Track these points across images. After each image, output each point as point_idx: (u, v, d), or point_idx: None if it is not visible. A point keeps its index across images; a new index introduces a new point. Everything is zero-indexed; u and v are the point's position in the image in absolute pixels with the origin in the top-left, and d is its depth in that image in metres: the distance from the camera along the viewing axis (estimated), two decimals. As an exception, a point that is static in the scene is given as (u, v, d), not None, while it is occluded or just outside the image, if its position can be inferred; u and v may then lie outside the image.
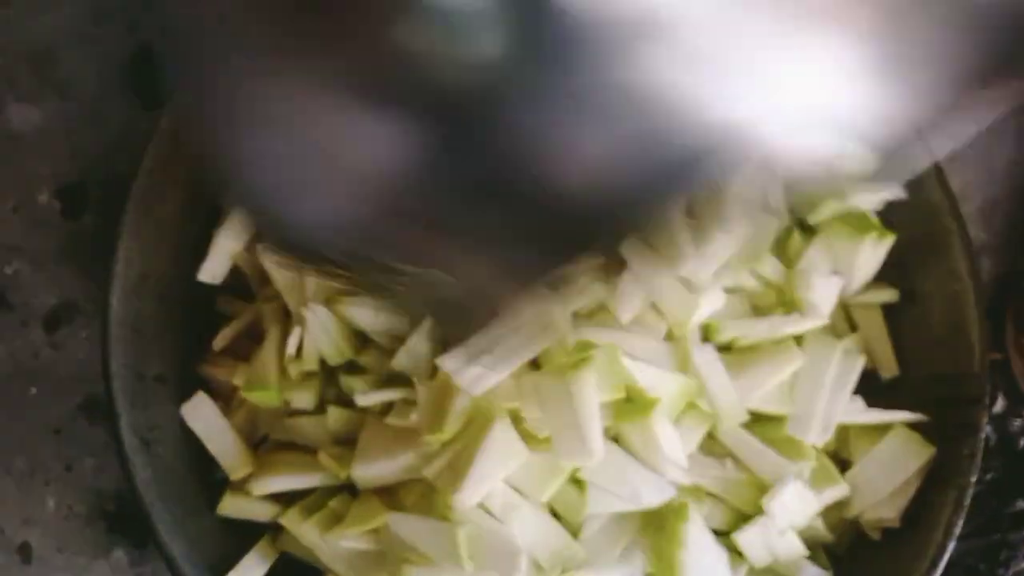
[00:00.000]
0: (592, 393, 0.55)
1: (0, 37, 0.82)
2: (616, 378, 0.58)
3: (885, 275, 0.75)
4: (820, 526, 0.66)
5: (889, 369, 0.75)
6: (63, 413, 0.76)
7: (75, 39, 0.81)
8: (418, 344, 0.59)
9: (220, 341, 0.70)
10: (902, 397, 0.71)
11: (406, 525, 0.56)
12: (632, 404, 0.60)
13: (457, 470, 0.55)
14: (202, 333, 0.71)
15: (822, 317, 0.67)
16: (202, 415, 0.66)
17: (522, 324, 0.56)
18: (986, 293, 0.70)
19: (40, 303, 0.78)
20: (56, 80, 0.82)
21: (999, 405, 0.80)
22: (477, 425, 0.56)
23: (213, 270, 0.72)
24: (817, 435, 0.64)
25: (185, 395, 0.66)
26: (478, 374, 0.56)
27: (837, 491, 0.66)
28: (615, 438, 0.60)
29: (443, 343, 0.59)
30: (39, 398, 0.76)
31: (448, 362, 0.56)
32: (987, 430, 0.64)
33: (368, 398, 0.60)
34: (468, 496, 0.54)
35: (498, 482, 0.56)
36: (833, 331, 0.74)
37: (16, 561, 0.75)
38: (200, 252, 0.72)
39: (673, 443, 0.60)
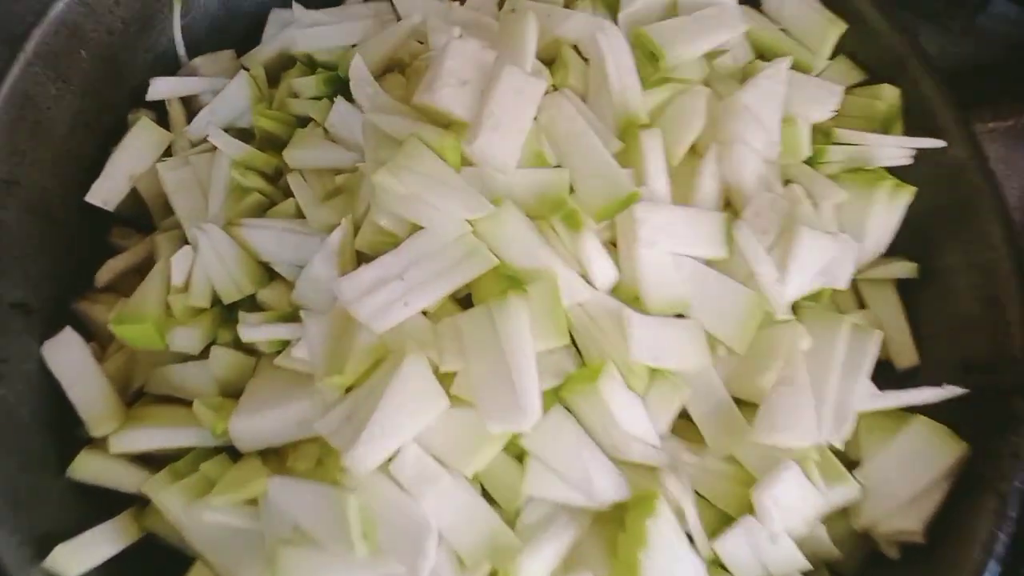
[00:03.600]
0: (523, 334, 0.43)
1: None
2: (554, 314, 0.45)
3: (899, 250, 0.64)
4: (824, 537, 0.53)
5: (907, 357, 0.63)
6: None
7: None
8: (320, 269, 0.47)
9: (105, 274, 0.58)
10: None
11: (289, 492, 0.43)
12: (580, 370, 0.48)
13: (356, 425, 0.43)
14: (89, 266, 0.59)
15: None
16: (68, 356, 0.53)
17: (443, 245, 0.44)
18: (1026, 262, 0.58)
19: None
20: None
21: None
22: (385, 368, 0.44)
23: (106, 192, 0.61)
24: (831, 430, 0.51)
25: (49, 333, 0.54)
26: (383, 305, 0.44)
27: (846, 491, 0.53)
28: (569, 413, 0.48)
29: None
30: None
31: (345, 288, 0.44)
32: (1014, 496, 0.50)
33: (256, 331, 0.48)
34: (365, 454, 0.42)
35: (408, 440, 0.43)
36: (839, 311, 0.62)
37: None
38: (94, 173, 0.61)
39: (636, 414, 0.47)
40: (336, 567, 0.42)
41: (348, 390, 0.45)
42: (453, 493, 0.45)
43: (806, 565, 0.51)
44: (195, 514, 0.46)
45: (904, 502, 0.54)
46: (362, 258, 0.49)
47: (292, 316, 0.49)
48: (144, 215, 0.62)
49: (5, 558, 0.44)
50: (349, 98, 0.54)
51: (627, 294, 0.50)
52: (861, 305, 0.64)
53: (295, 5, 0.69)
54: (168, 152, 0.62)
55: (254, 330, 0.47)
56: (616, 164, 0.49)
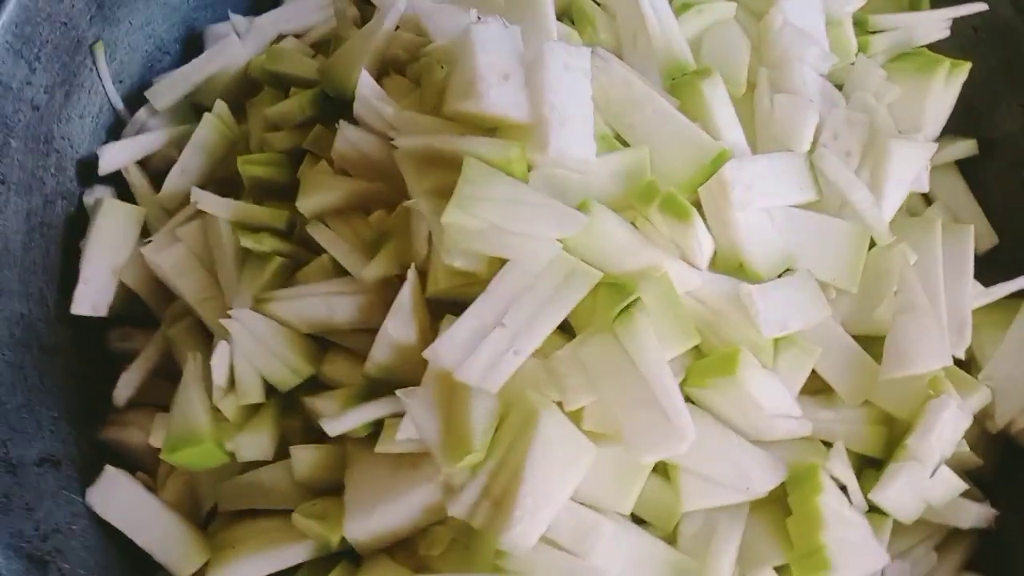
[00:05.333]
0: (656, 348, 0.38)
1: None
2: (677, 315, 0.40)
3: (948, 129, 0.60)
4: (965, 450, 0.50)
5: (985, 237, 0.59)
6: None
7: None
8: (395, 333, 0.40)
9: (123, 391, 0.49)
10: (1010, 272, 0.55)
11: (443, 592, 0.38)
12: (710, 361, 0.42)
13: (499, 499, 0.37)
14: (99, 387, 0.51)
15: None
16: (119, 499, 0.46)
17: (537, 274, 0.38)
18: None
19: None
20: None
21: None
22: (515, 430, 0.38)
23: (92, 297, 0.51)
24: (955, 342, 0.48)
25: (90, 478, 0.46)
26: (490, 360, 0.37)
27: (979, 399, 0.50)
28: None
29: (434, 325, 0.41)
30: None
31: (442, 352, 0.37)
32: None
33: (341, 423, 0.40)
34: (526, 531, 0.36)
35: (564, 501, 0.38)
36: (908, 212, 0.58)
37: None
38: (67, 278, 0.52)
39: (776, 392, 0.43)
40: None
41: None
42: (619, 536, 0.40)
43: (963, 486, 0.49)
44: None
45: (1035, 391, 0.51)
46: (435, 308, 0.42)
47: (370, 390, 0.43)
48: (137, 308, 0.53)
49: None
50: (349, 118, 0.46)
51: (729, 264, 0.45)
52: (925, 198, 0.60)
53: (231, 15, 0.58)
54: (146, 229, 0.53)
55: (338, 423, 0.41)
56: (694, 125, 0.42)
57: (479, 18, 0.41)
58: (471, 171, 0.37)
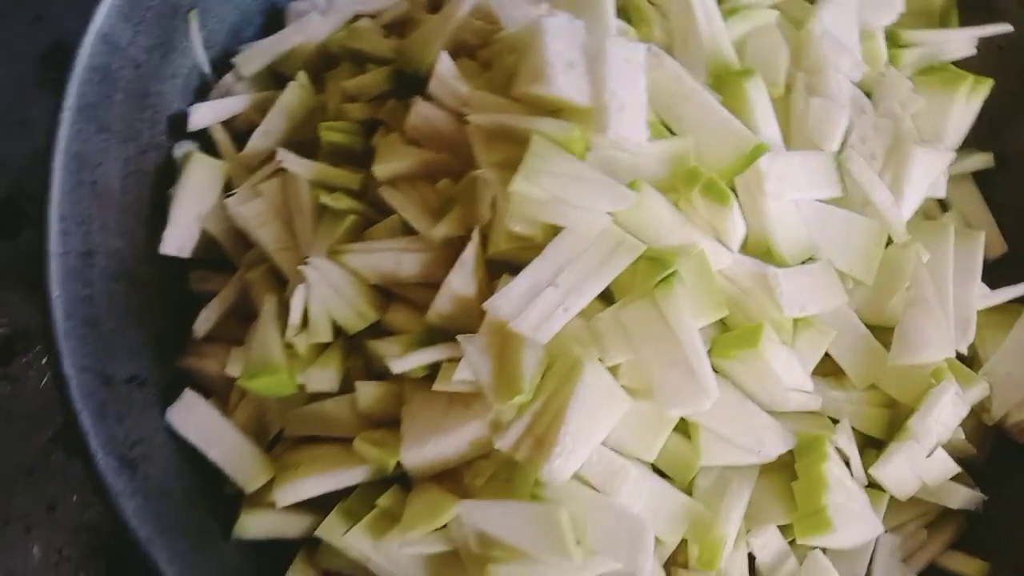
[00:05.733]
0: (688, 315, 0.43)
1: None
2: (709, 288, 0.45)
3: (968, 141, 0.64)
4: (961, 438, 0.55)
5: (995, 245, 0.64)
6: (34, 450, 0.65)
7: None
8: (458, 286, 0.46)
9: (202, 324, 0.55)
10: (1017, 278, 0.59)
11: (484, 514, 0.44)
12: (735, 334, 0.47)
13: (541, 436, 0.43)
14: (180, 320, 0.56)
15: None
16: (195, 418, 0.51)
17: (590, 242, 0.43)
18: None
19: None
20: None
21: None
22: (557, 376, 0.43)
23: (178, 240, 0.57)
24: (959, 338, 0.53)
25: (171, 398, 0.52)
26: (543, 315, 0.43)
27: (978, 391, 0.55)
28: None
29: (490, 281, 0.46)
30: (4, 441, 0.65)
31: (501, 305, 0.43)
32: None
33: (405, 362, 0.46)
34: (563, 465, 0.42)
35: (598, 443, 0.43)
36: (925, 215, 0.62)
37: (6, 625, 0.63)
38: (156, 221, 0.58)
39: (793, 367, 0.48)
40: (552, 574, 0.43)
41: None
42: (641, 481, 0.45)
43: (956, 469, 0.53)
44: (387, 549, 0.46)
45: (1029, 391, 0.56)
46: (493, 268, 0.47)
47: (429, 336, 0.48)
48: (216, 253, 0.59)
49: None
50: (422, 93, 0.51)
51: (758, 248, 0.49)
52: (941, 205, 0.64)
53: (312, -8, 0.64)
54: (228, 183, 0.59)
55: (403, 362, 0.46)
56: (735, 119, 0.47)
57: (550, 11, 0.46)
58: (537, 147, 0.43)
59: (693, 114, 0.47)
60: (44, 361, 0.67)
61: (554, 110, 0.46)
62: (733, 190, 0.48)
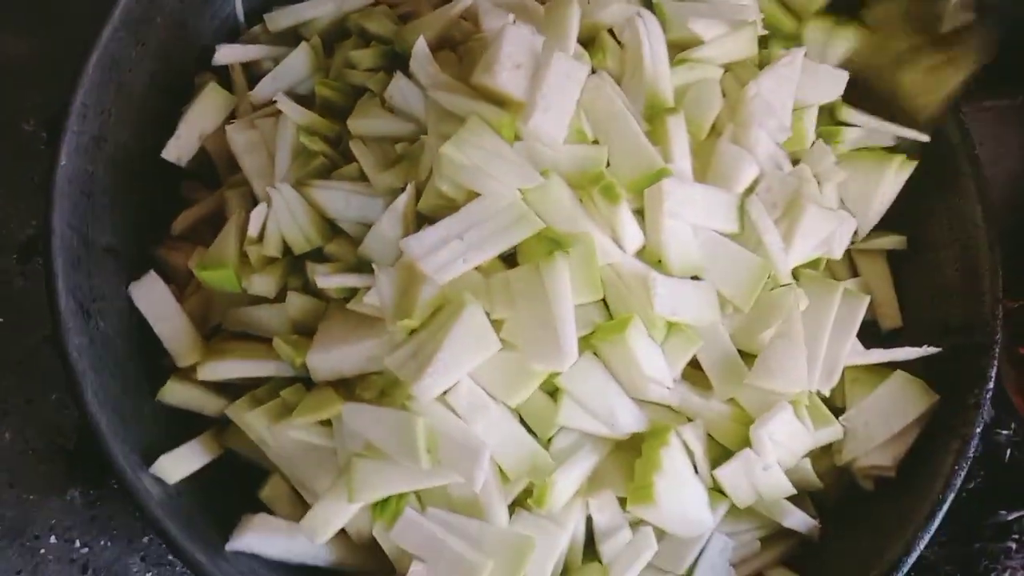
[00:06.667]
0: (566, 288, 0.50)
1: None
2: (590, 272, 0.52)
3: (890, 224, 0.71)
4: (809, 471, 0.62)
5: (891, 318, 0.71)
6: (28, 345, 0.71)
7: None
8: (386, 228, 0.54)
9: (180, 223, 0.65)
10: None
11: (361, 416, 0.51)
12: (611, 322, 0.55)
13: (421, 360, 0.50)
14: (163, 215, 0.66)
15: None
16: (152, 295, 0.60)
17: (498, 210, 0.51)
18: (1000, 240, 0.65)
19: (16, 232, 0.74)
20: (47, 10, 0.78)
21: (987, 415, 0.72)
22: (445, 314, 0.52)
23: (179, 149, 0.67)
24: (820, 380, 0.59)
25: (137, 274, 0.61)
26: (445, 261, 0.51)
27: (830, 432, 0.61)
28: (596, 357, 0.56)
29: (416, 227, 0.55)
30: (5, 329, 0.71)
31: (413, 245, 0.51)
32: (975, 440, 0.58)
33: (330, 280, 0.55)
34: (430, 385, 0.49)
35: (464, 375, 0.51)
36: (833, 277, 0.69)
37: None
38: (167, 130, 0.67)
39: (655, 361, 0.55)
40: (402, 475, 0.50)
41: (412, 332, 0.52)
42: (499, 421, 0.53)
43: (792, 490, 0.59)
44: (278, 433, 0.54)
45: (880, 443, 0.62)
46: (421, 219, 0.56)
47: (357, 267, 0.56)
48: (210, 171, 0.69)
49: (120, 464, 0.52)
50: (405, 71, 0.60)
51: (651, 257, 0.57)
52: (854, 272, 0.71)
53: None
54: (233, 114, 0.68)
55: (328, 279, 0.55)
56: (649, 143, 0.55)
57: (514, 21, 0.55)
58: (472, 123, 0.52)
59: (616, 132, 0.56)
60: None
61: (497, 101, 0.55)
62: (641, 212, 0.56)
